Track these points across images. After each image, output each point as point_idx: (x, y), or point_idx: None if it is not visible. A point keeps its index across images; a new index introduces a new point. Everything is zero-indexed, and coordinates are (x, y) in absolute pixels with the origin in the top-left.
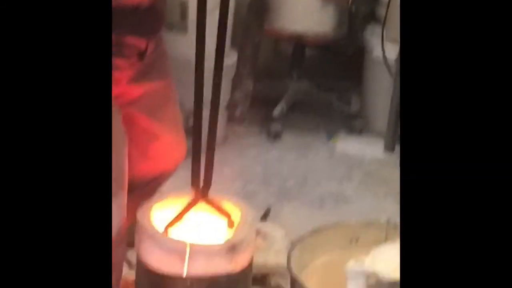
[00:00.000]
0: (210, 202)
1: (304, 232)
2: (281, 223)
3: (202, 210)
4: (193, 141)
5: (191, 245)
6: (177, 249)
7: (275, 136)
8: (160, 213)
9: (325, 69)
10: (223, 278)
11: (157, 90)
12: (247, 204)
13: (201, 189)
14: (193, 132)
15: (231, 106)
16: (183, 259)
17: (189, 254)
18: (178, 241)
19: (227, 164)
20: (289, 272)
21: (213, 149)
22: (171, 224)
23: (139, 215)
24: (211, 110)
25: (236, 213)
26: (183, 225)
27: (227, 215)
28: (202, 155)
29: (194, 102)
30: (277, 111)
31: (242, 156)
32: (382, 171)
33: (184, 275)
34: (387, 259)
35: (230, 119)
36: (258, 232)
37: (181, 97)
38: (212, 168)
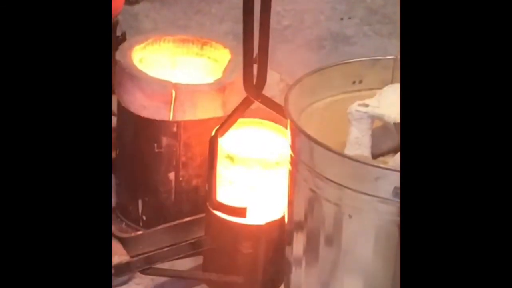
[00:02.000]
0: (265, 101)
1: (301, 74)
2: (275, 67)
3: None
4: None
5: (177, 85)
6: (162, 90)
7: None
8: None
9: None
10: (213, 123)
11: None
12: (237, 46)
13: (255, 86)
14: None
15: None
16: (169, 102)
17: (175, 96)
18: (162, 81)
19: (210, 2)
20: (286, 115)
21: (267, 47)
22: (222, 130)
23: (118, 55)
24: None
25: (226, 55)
26: None
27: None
28: None
29: None
30: None
31: None
32: (386, 8)
33: (170, 118)
34: (393, 101)
35: None
36: None
37: None
38: (266, 64)
